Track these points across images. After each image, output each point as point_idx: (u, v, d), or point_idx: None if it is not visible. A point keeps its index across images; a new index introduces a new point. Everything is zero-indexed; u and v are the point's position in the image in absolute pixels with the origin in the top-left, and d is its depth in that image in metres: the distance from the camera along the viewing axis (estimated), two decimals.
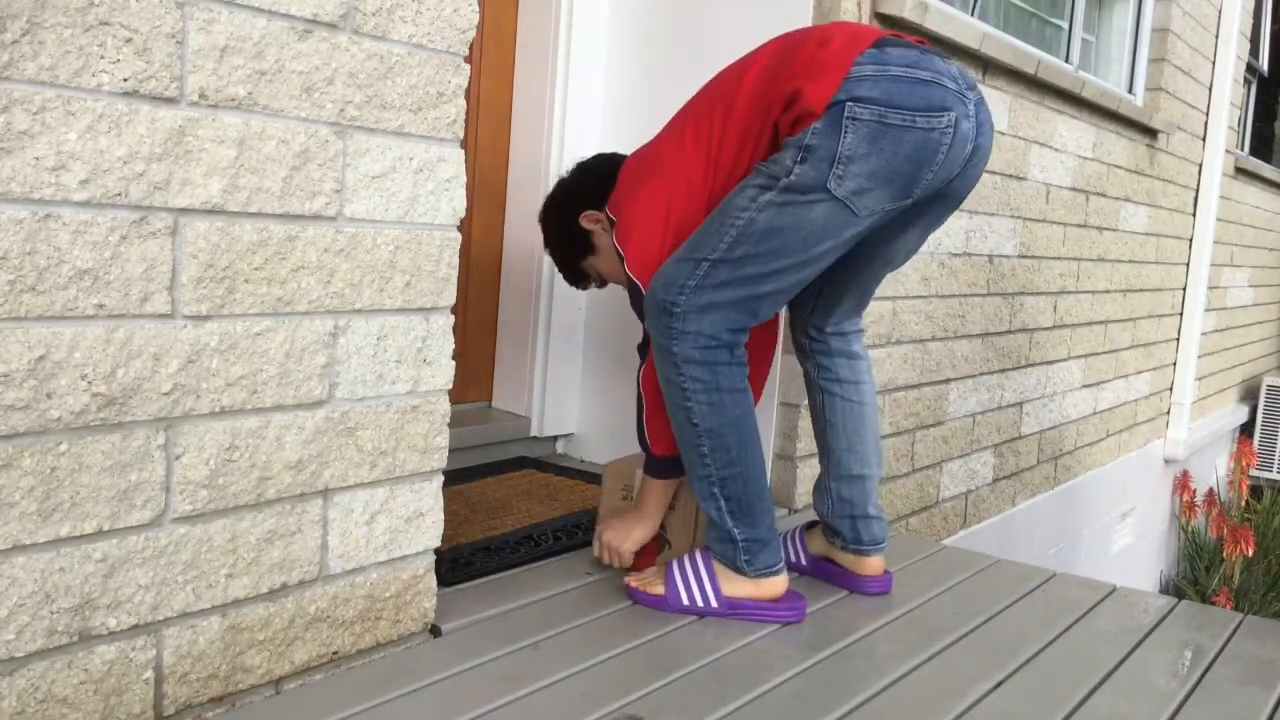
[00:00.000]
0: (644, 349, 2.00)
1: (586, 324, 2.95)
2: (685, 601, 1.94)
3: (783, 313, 2.29)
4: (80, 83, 1.24)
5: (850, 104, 1.74)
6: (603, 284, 2.22)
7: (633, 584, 2.00)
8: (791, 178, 1.77)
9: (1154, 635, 2.04)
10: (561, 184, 2.18)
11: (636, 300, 1.96)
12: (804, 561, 2.20)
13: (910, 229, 1.96)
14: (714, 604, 1.94)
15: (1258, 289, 7.11)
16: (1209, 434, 6.12)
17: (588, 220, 2.09)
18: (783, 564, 1.96)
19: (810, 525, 2.23)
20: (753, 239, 1.80)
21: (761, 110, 1.87)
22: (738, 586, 1.94)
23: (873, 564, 2.13)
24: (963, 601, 2.13)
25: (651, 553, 2.11)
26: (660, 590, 1.96)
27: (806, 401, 2.25)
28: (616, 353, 2.91)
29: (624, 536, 2.05)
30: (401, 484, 1.68)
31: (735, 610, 1.94)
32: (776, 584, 1.95)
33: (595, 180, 2.10)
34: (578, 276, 2.21)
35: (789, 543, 2.22)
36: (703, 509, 1.95)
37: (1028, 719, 1.66)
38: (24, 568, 1.25)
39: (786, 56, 1.87)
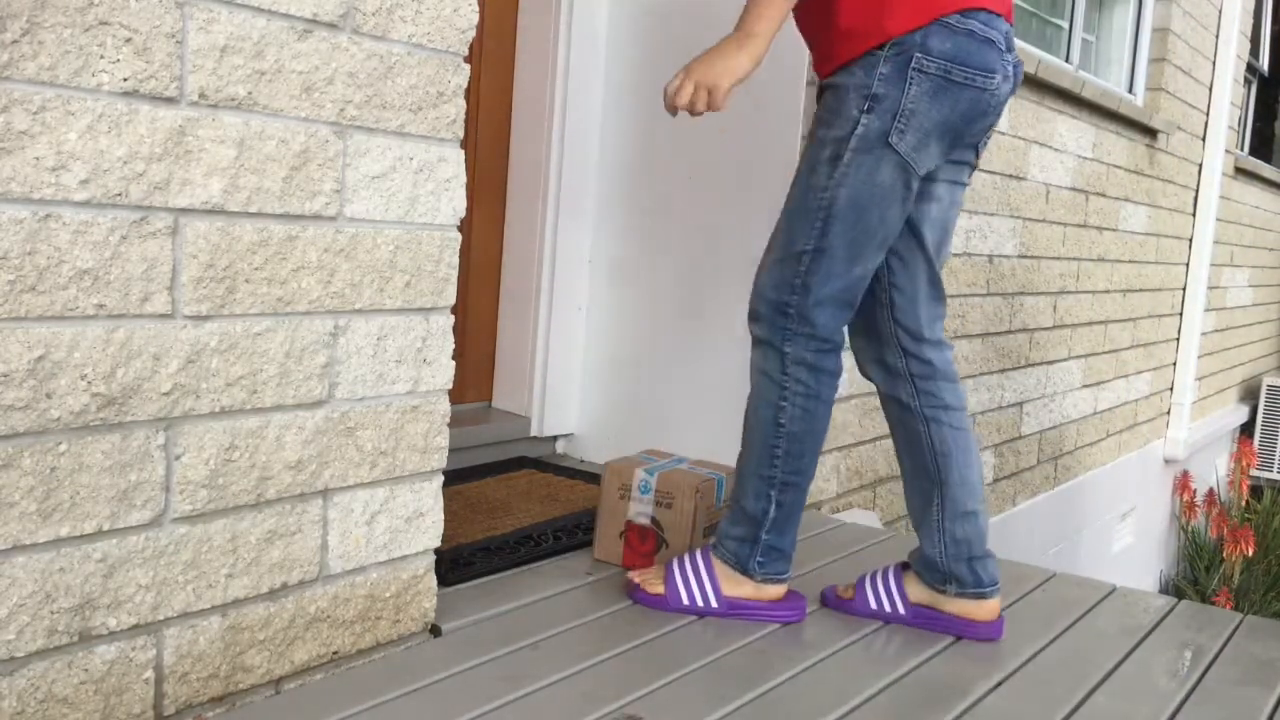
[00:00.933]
0: None
1: (587, 324, 2.96)
2: (685, 601, 1.94)
3: None
4: (80, 83, 1.24)
5: (919, 55, 1.73)
6: None
7: (634, 580, 1.99)
8: (860, 128, 1.76)
9: (1154, 635, 2.04)
10: None
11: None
12: (903, 611, 1.97)
13: (938, 184, 1.90)
14: (714, 604, 1.93)
15: (1258, 289, 7.11)
16: (1209, 434, 6.12)
17: None
18: (789, 574, 1.95)
19: (902, 567, 2.01)
20: (839, 218, 1.79)
21: None
22: (739, 587, 1.93)
23: (991, 607, 1.94)
24: None
25: (649, 554, 2.11)
26: (660, 589, 1.96)
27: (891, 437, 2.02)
28: (616, 353, 2.91)
29: (722, 71, 1.76)
30: (401, 484, 1.68)
31: (736, 610, 1.93)
32: (777, 590, 1.94)
33: None
34: None
35: (880, 589, 2.00)
36: (745, 508, 1.90)
37: (1028, 719, 1.66)
38: (24, 568, 1.25)
39: None
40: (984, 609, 1.94)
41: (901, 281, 1.94)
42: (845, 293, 1.83)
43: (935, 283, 1.97)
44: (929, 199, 1.91)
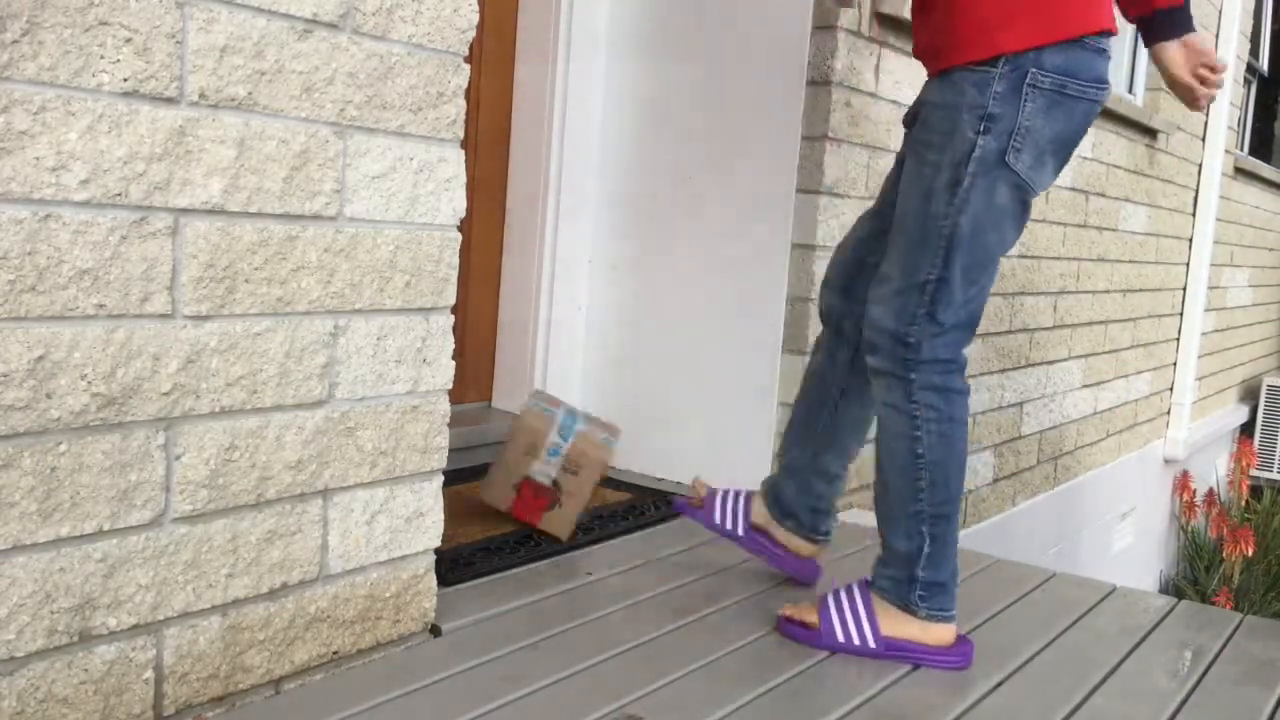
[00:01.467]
0: None
1: (587, 324, 2.96)
2: (840, 638, 1.83)
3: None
4: (80, 83, 1.24)
5: (1034, 71, 1.70)
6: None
7: (787, 613, 1.90)
8: (977, 150, 1.71)
9: (1154, 635, 2.03)
10: None
11: None
12: (740, 530, 2.11)
13: None
14: (871, 644, 1.82)
15: (1258, 289, 7.11)
16: (1209, 434, 6.12)
17: None
18: (956, 611, 1.84)
19: (752, 494, 2.14)
20: (962, 246, 1.74)
21: None
22: (901, 627, 1.82)
23: (813, 549, 2.12)
24: (963, 601, 2.12)
25: (540, 509, 2.19)
26: (814, 621, 1.86)
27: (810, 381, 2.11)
28: (616, 353, 2.91)
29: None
30: (401, 484, 1.67)
31: (894, 652, 1.81)
32: (946, 632, 1.82)
33: None
34: None
35: (728, 505, 2.13)
36: (897, 547, 1.82)
37: (1028, 719, 1.66)
38: (24, 568, 1.25)
39: None
40: (809, 549, 2.11)
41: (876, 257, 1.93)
42: (969, 318, 1.80)
43: None
44: None
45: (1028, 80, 1.70)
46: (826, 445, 2.05)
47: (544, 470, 2.19)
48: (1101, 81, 1.76)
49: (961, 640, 1.85)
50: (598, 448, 2.21)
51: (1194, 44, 1.87)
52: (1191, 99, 1.90)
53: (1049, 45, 1.70)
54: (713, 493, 2.15)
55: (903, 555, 1.81)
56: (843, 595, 1.87)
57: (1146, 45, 1.94)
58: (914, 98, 1.93)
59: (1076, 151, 4.10)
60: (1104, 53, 1.77)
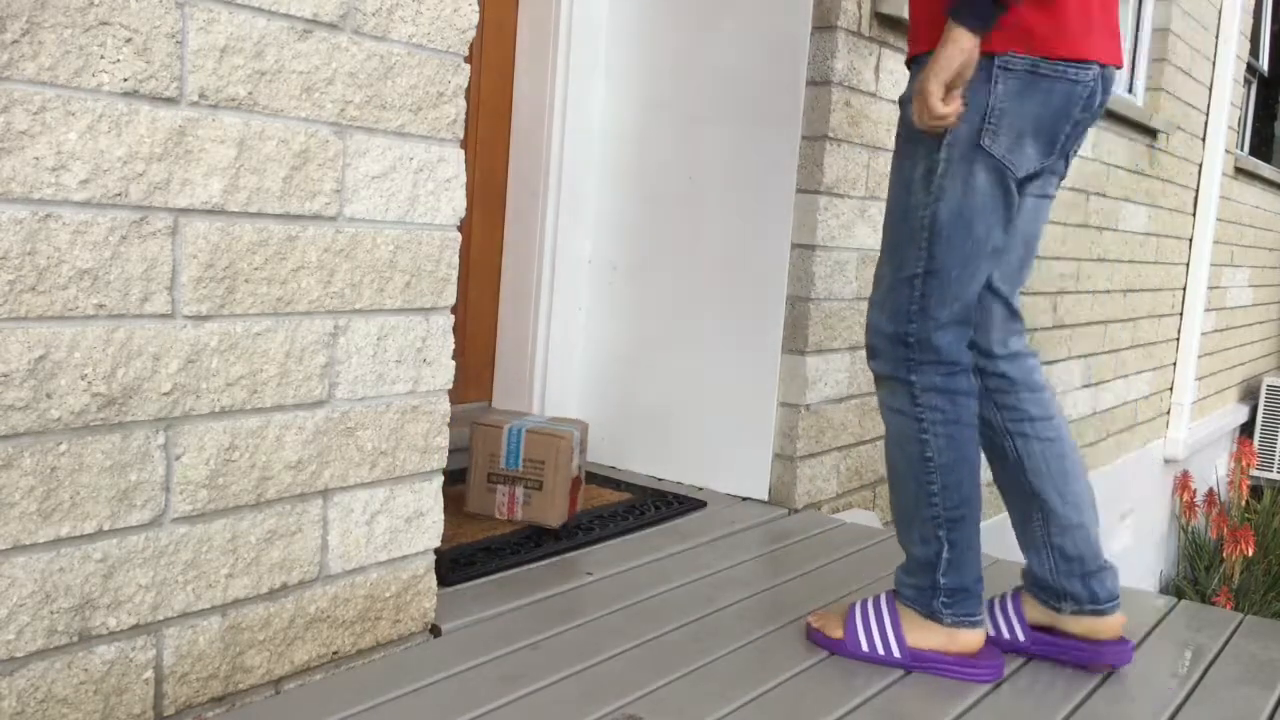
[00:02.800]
0: None
1: (587, 324, 2.96)
2: (865, 648, 1.80)
3: None
4: (80, 83, 1.24)
5: (1002, 54, 1.64)
6: None
7: (813, 624, 1.88)
8: (949, 135, 1.66)
9: (1154, 635, 2.03)
10: None
11: None
12: (1022, 638, 1.88)
13: (1025, 196, 1.79)
14: (896, 654, 1.78)
15: (1258, 289, 7.11)
16: (1209, 434, 6.12)
17: None
18: (984, 616, 1.79)
19: (1018, 592, 1.92)
20: (943, 236, 1.69)
21: None
22: (927, 637, 1.77)
23: (1113, 624, 1.84)
24: None
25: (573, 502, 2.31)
26: (839, 633, 1.83)
27: (986, 458, 1.90)
28: (617, 353, 2.91)
29: (931, 74, 1.62)
30: (401, 484, 1.67)
31: (920, 664, 1.77)
32: (973, 638, 1.77)
33: None
34: None
35: (999, 614, 1.90)
36: (915, 553, 1.78)
37: (1028, 719, 1.66)
38: (24, 568, 1.25)
39: None
40: (1106, 626, 1.83)
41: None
42: (964, 311, 1.74)
43: (1014, 300, 1.85)
44: (1022, 208, 1.79)
45: (996, 63, 1.64)
46: (1044, 500, 1.84)
47: (511, 474, 2.29)
48: (1083, 61, 1.66)
49: (990, 649, 1.80)
50: (553, 437, 2.27)
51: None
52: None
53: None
54: (988, 602, 1.92)
55: (922, 561, 1.78)
56: (869, 605, 1.83)
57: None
58: None
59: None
60: (1085, 33, 1.67)
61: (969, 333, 1.77)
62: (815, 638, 1.86)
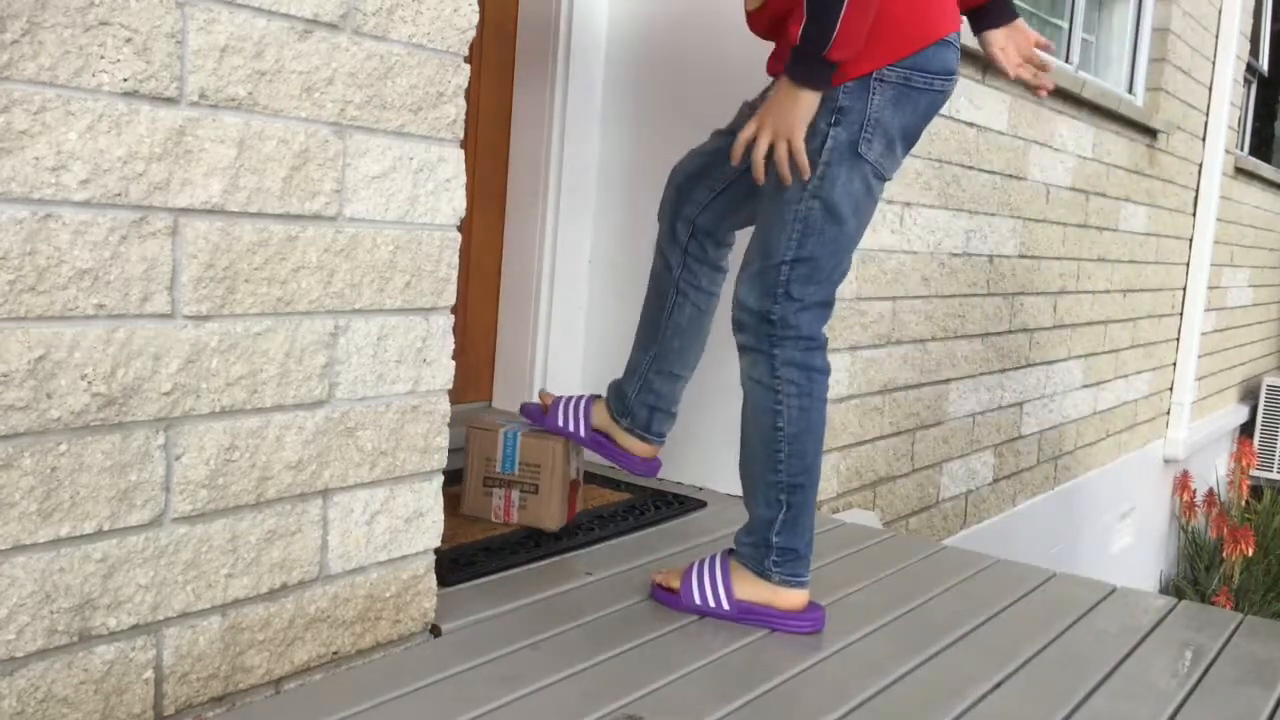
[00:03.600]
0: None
1: (587, 324, 2.96)
2: (697, 600, 1.93)
3: None
4: (80, 83, 1.24)
5: (880, 68, 1.77)
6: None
7: (656, 579, 2.00)
8: (829, 141, 1.79)
9: (1154, 635, 2.04)
10: None
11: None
12: (582, 432, 2.22)
13: None
14: (725, 605, 1.92)
15: (1258, 289, 7.11)
16: (1209, 434, 6.12)
17: None
18: (809, 578, 1.93)
19: (595, 398, 2.25)
20: (816, 229, 1.83)
21: None
22: (753, 590, 1.91)
23: (650, 450, 2.21)
24: (963, 601, 2.13)
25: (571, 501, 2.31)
26: (675, 586, 1.96)
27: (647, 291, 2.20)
28: (617, 353, 2.90)
29: (792, 126, 1.76)
30: (401, 484, 1.68)
31: (746, 615, 1.91)
32: (797, 596, 1.91)
33: None
34: None
35: (571, 410, 2.24)
36: (756, 515, 1.92)
37: (1028, 719, 1.66)
38: (24, 568, 1.25)
39: None
40: (644, 448, 2.19)
41: (724, 201, 2.06)
42: (827, 295, 1.88)
43: (753, 221, 1.97)
44: None
45: (874, 75, 1.77)
46: (666, 344, 2.15)
47: (507, 478, 2.29)
48: (949, 73, 1.83)
49: (813, 606, 1.94)
50: (548, 440, 2.27)
51: (1021, 28, 2.02)
52: (1032, 85, 2.05)
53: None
54: (557, 399, 2.27)
55: (761, 521, 1.91)
56: (705, 563, 1.97)
57: (975, 34, 2.05)
58: None
59: (1076, 151, 4.11)
60: (949, 44, 1.83)
61: (829, 314, 1.90)
62: (657, 594, 1.99)
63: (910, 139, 1.87)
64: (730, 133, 2.04)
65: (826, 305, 1.89)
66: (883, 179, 1.86)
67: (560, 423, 2.23)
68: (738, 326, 1.91)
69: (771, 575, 1.90)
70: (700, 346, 2.18)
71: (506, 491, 2.29)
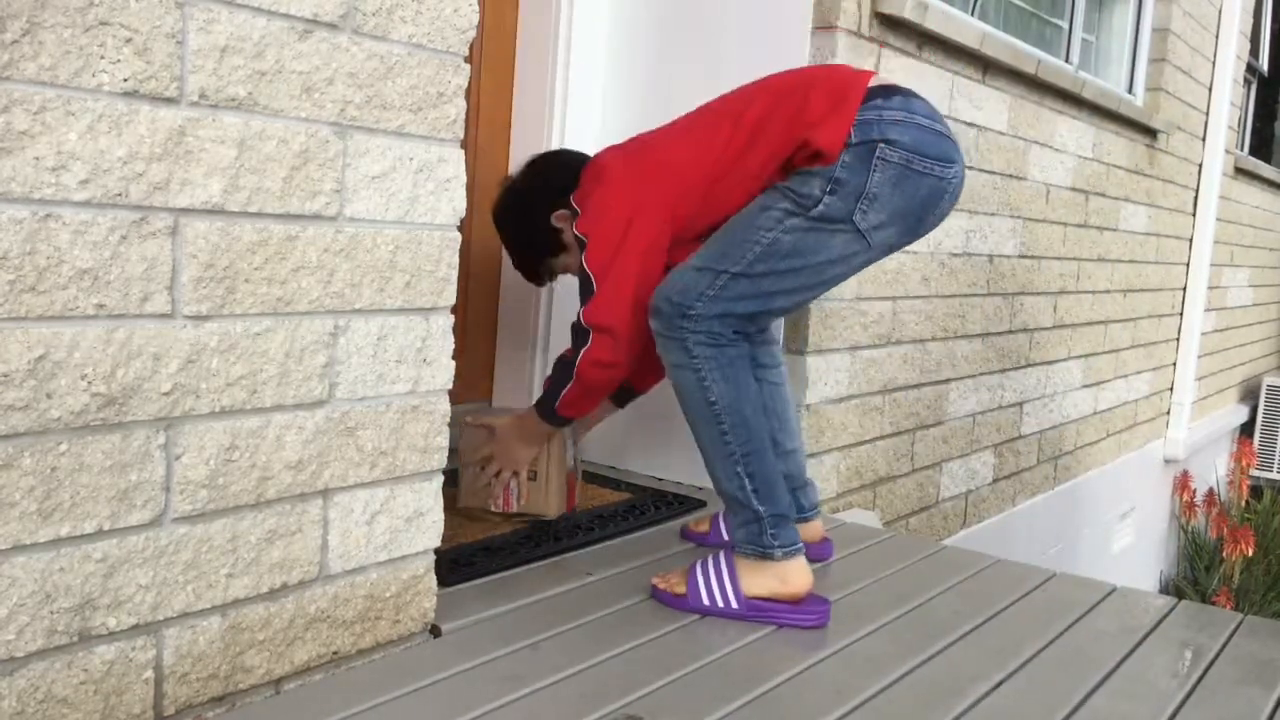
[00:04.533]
0: (579, 335, 2.06)
1: None
2: (705, 601, 1.93)
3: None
4: (80, 83, 1.24)
5: (882, 145, 1.86)
6: (554, 277, 2.34)
7: (657, 582, 2.00)
8: (821, 208, 1.88)
9: (1154, 635, 2.04)
10: (521, 184, 2.28)
11: (586, 292, 2.03)
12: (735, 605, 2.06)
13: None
14: (734, 604, 1.92)
15: (1258, 289, 7.11)
16: (1209, 434, 6.12)
17: (559, 219, 2.16)
18: (803, 545, 1.95)
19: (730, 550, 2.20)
20: (774, 258, 1.89)
21: (775, 139, 1.94)
22: (762, 583, 1.92)
23: (816, 528, 2.26)
24: (963, 601, 2.13)
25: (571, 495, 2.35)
26: (682, 589, 1.95)
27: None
28: None
29: (519, 463, 2.24)
30: (402, 484, 1.68)
31: (756, 613, 1.92)
32: (801, 578, 1.92)
33: (562, 177, 2.18)
34: (539, 274, 2.33)
35: (722, 523, 2.26)
36: (728, 494, 1.94)
37: (1028, 719, 1.66)
38: (24, 568, 1.25)
39: (798, 88, 1.96)
40: (811, 530, 2.22)
41: None
42: (754, 314, 1.93)
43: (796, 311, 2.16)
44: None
45: (876, 154, 1.86)
46: (771, 427, 2.13)
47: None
48: (948, 160, 1.92)
49: (814, 597, 1.95)
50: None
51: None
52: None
53: (893, 124, 1.86)
54: (715, 515, 2.31)
55: (735, 499, 1.93)
56: (709, 560, 1.97)
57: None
58: None
59: (1076, 151, 4.10)
60: (946, 136, 1.93)
61: (749, 330, 1.95)
62: (661, 597, 1.98)
63: (910, 220, 1.93)
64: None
65: (747, 322, 1.92)
66: (869, 246, 1.92)
67: (714, 536, 2.28)
68: (654, 312, 1.94)
69: (774, 551, 1.91)
70: (793, 413, 2.24)
71: (504, 487, 2.29)
